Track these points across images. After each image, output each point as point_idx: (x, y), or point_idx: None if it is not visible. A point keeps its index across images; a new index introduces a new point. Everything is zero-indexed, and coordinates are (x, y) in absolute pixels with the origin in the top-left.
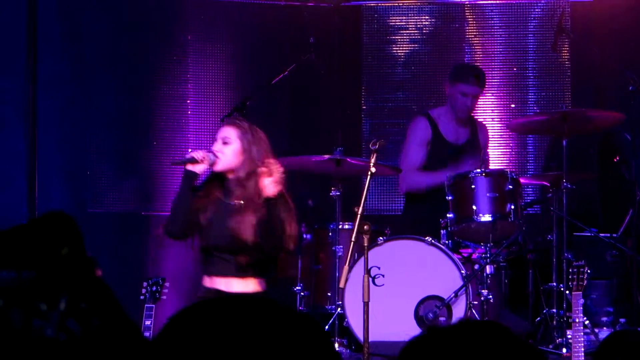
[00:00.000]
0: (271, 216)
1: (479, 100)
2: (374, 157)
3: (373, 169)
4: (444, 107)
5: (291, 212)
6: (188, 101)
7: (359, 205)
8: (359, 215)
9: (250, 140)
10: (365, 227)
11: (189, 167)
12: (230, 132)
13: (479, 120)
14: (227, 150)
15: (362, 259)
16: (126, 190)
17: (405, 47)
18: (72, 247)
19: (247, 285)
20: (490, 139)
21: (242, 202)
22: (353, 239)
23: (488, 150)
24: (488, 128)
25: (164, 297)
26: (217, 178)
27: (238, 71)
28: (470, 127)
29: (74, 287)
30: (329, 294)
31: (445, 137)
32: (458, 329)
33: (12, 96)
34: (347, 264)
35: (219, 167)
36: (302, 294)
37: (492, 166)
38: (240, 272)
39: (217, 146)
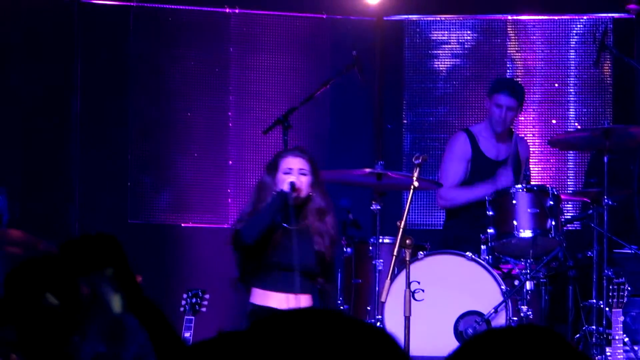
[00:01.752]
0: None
1: (521, 115)
2: (417, 171)
3: (416, 183)
4: (484, 122)
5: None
6: (229, 113)
7: (402, 219)
8: (401, 229)
9: (317, 169)
10: (407, 241)
11: (293, 193)
12: (303, 163)
13: (519, 135)
14: (305, 181)
15: (403, 273)
16: (166, 201)
17: (446, 61)
18: (117, 266)
19: (299, 302)
20: (531, 154)
21: (307, 225)
22: (395, 253)
23: (529, 165)
24: (529, 143)
25: (204, 309)
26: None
27: (279, 84)
28: (510, 142)
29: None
30: (369, 307)
31: (485, 153)
32: (514, 332)
33: None
34: (388, 277)
35: (300, 198)
36: (341, 307)
37: (533, 182)
38: (301, 290)
39: (295, 177)
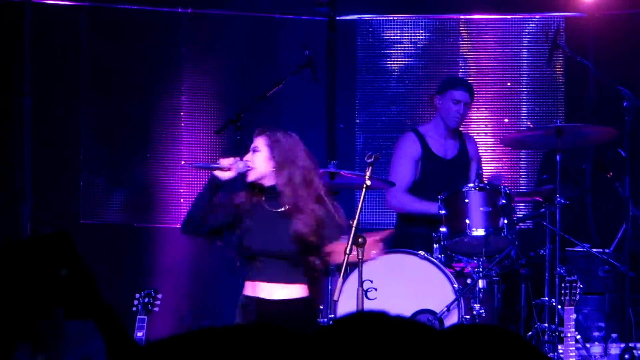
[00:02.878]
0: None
1: (473, 114)
2: (369, 170)
3: (368, 182)
4: (432, 122)
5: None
6: (182, 113)
7: (354, 218)
8: (353, 228)
9: (280, 146)
10: (359, 240)
11: (216, 173)
12: (258, 141)
13: (468, 133)
14: (258, 158)
15: (355, 272)
16: (119, 202)
17: (399, 61)
18: (72, 267)
19: (292, 291)
20: (482, 153)
21: (286, 207)
22: (347, 252)
23: (481, 164)
24: (479, 142)
25: (156, 309)
26: (256, 186)
27: (232, 84)
28: (458, 140)
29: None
30: (321, 306)
31: (434, 152)
32: (467, 332)
33: None
34: (340, 276)
35: (252, 177)
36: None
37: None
38: (287, 277)
39: (248, 156)
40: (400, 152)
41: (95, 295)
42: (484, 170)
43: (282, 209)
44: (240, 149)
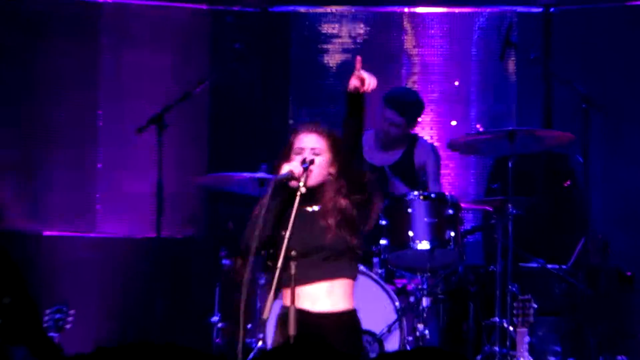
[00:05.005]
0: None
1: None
2: (305, 176)
3: (303, 189)
4: (373, 129)
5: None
6: (99, 111)
7: (287, 229)
8: (285, 240)
9: (338, 150)
10: (292, 252)
11: (292, 183)
12: (316, 141)
13: (422, 138)
14: (319, 162)
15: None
16: (26, 208)
17: (337, 56)
18: (16, 295)
19: (335, 296)
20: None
21: (316, 208)
22: (279, 266)
23: (432, 170)
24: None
25: (69, 326)
26: (292, 189)
27: (155, 79)
28: (405, 147)
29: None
30: (250, 325)
31: (369, 160)
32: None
33: None
34: (271, 292)
35: (311, 183)
36: (219, 325)
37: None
38: (329, 273)
39: (298, 160)
40: None
41: (36, 323)
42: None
43: (317, 208)
44: (163, 151)
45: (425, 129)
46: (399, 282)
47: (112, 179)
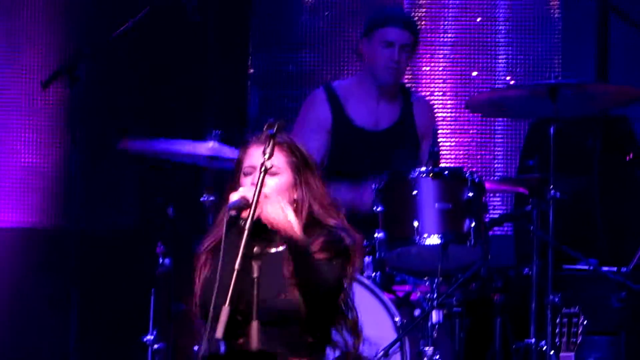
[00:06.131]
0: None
1: (424, 65)
2: (271, 145)
3: (269, 164)
4: (356, 76)
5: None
6: None
7: (247, 216)
8: (246, 232)
9: (305, 161)
10: (255, 249)
11: (243, 213)
12: (275, 158)
13: (417, 93)
14: (278, 184)
15: None
16: None
17: None
18: None
19: None
20: (438, 122)
21: (280, 248)
22: (237, 267)
23: (437, 139)
24: (435, 106)
25: None
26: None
27: (63, 21)
28: (400, 104)
29: None
30: (195, 347)
31: (354, 120)
32: None
33: None
34: (227, 303)
35: (268, 213)
36: (155, 346)
37: (443, 163)
38: (290, 347)
39: (248, 181)
40: (303, 119)
41: None
42: (442, 150)
43: (280, 249)
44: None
45: (435, 82)
46: (400, 290)
47: (5, 155)
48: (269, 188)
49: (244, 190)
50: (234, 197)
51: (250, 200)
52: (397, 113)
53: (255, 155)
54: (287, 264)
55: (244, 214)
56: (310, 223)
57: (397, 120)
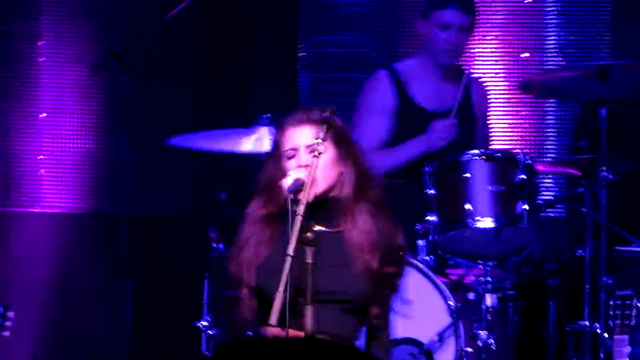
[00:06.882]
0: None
1: (475, 46)
2: (324, 130)
3: (321, 148)
4: (418, 57)
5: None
6: (39, 43)
7: (301, 201)
8: (300, 217)
9: (347, 140)
10: (308, 234)
11: (301, 195)
12: (316, 133)
13: (472, 75)
14: (322, 162)
15: None
16: None
17: None
18: None
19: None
20: (491, 104)
21: (340, 226)
22: (290, 252)
23: (488, 121)
24: (487, 88)
25: (7, 332)
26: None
27: (115, 6)
28: (460, 85)
29: None
30: (250, 332)
31: (418, 101)
32: None
33: None
34: (280, 288)
35: (318, 189)
36: (209, 332)
37: (495, 145)
38: (337, 328)
39: (303, 159)
40: (366, 101)
41: None
42: (493, 132)
43: (336, 230)
44: (126, 97)
45: (486, 64)
46: (454, 274)
47: (57, 135)
48: (317, 168)
49: (296, 173)
50: (287, 181)
51: (305, 181)
52: (459, 94)
53: (294, 137)
54: (349, 244)
55: (301, 196)
56: (356, 196)
57: (460, 101)
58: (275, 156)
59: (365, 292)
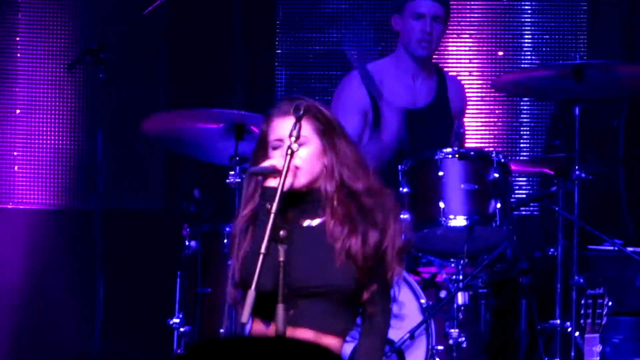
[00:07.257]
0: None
1: (449, 44)
2: (298, 127)
3: (295, 146)
4: (392, 56)
5: None
6: (17, 38)
7: (273, 201)
8: (272, 215)
9: (333, 130)
10: (281, 232)
11: (269, 182)
12: (304, 128)
13: (449, 73)
14: (306, 154)
15: None
16: None
17: None
18: None
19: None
20: (467, 102)
21: (323, 218)
22: (263, 251)
23: (464, 119)
24: (465, 86)
25: None
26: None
27: (90, 4)
28: (436, 82)
29: None
30: (222, 330)
31: (392, 100)
32: None
33: None
34: (253, 286)
35: (300, 182)
36: (181, 329)
37: (469, 144)
38: (323, 324)
39: (278, 153)
40: (339, 101)
41: None
42: (467, 130)
43: (319, 222)
44: (101, 94)
45: (461, 61)
46: (426, 272)
47: (32, 131)
48: (300, 159)
49: (274, 161)
50: (264, 164)
51: (279, 169)
52: (433, 91)
53: (280, 128)
54: (328, 234)
55: (270, 181)
56: (341, 187)
57: (433, 98)
58: (262, 146)
59: (350, 281)
